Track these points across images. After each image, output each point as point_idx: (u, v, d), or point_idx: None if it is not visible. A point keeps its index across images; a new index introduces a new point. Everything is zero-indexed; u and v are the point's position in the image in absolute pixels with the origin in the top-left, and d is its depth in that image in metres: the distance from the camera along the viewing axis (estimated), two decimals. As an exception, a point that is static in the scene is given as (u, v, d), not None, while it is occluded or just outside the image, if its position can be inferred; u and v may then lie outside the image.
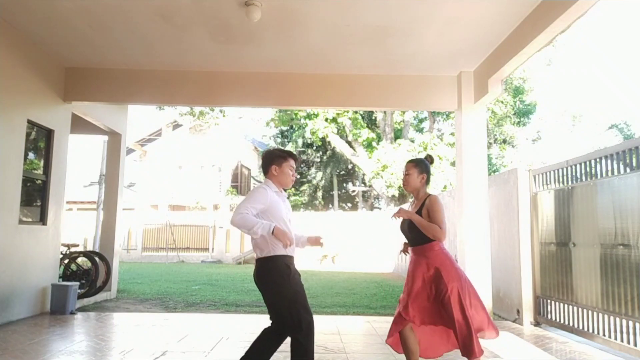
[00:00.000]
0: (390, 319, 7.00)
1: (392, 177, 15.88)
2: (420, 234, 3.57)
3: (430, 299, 3.51)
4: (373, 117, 20.71)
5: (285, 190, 3.61)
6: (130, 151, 29.60)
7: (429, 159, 3.86)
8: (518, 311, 6.74)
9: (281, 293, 3.28)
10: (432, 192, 3.73)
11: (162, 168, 30.07)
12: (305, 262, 19.28)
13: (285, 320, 3.29)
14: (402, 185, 3.86)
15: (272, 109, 19.73)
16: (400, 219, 3.71)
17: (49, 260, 7.20)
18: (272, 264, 3.30)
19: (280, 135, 28.22)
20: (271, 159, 3.51)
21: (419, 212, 3.62)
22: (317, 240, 3.67)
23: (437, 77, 7.54)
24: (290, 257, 3.39)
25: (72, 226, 19.48)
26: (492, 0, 5.31)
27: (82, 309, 7.39)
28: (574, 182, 5.88)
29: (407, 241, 3.77)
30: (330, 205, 29.25)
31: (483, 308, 3.59)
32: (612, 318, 5.07)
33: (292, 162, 3.53)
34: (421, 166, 3.75)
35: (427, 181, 3.75)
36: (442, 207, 3.62)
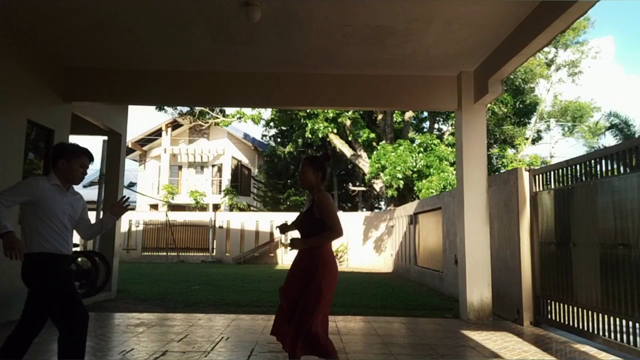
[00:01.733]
0: (391, 319, 7.02)
1: (389, 178, 15.87)
2: (313, 231, 3.57)
3: (298, 288, 3.55)
4: (373, 117, 20.70)
5: (71, 187, 3.51)
6: (130, 151, 29.63)
7: (326, 157, 3.90)
8: (518, 311, 6.74)
9: (44, 290, 3.27)
10: (323, 189, 3.73)
11: (162, 168, 30.08)
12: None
13: (54, 316, 3.29)
14: (299, 182, 3.90)
15: (272, 109, 19.73)
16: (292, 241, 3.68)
17: (49, 260, 7.18)
18: (32, 263, 3.27)
19: (280, 135, 28.21)
20: (60, 153, 3.42)
21: (310, 209, 3.64)
22: (119, 206, 3.63)
23: (437, 77, 7.54)
24: (55, 256, 3.33)
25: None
26: (492, 0, 5.31)
27: (82, 309, 7.38)
28: (574, 182, 5.88)
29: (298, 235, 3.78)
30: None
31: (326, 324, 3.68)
32: (612, 318, 5.08)
33: (84, 160, 3.46)
34: (316, 164, 3.77)
35: (323, 178, 3.77)
36: (330, 202, 3.60)
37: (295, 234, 3.80)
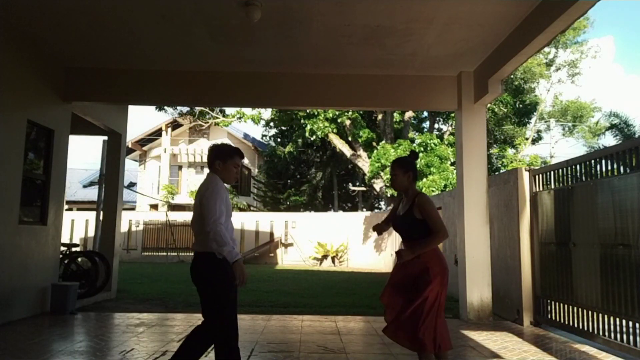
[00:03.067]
0: (390, 319, 6.95)
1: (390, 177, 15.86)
2: (415, 232, 3.59)
3: (407, 292, 3.56)
4: (373, 117, 20.70)
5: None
6: (130, 151, 29.62)
7: (413, 156, 3.90)
8: (518, 311, 6.74)
9: (217, 292, 3.25)
10: (419, 190, 3.75)
11: (162, 168, 30.08)
12: (303, 262, 19.30)
13: (209, 314, 3.30)
14: (390, 186, 3.93)
15: (272, 109, 19.73)
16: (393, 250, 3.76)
17: (49, 260, 7.20)
18: (215, 261, 3.22)
19: (280, 135, 28.20)
20: (216, 155, 3.46)
21: (410, 211, 3.63)
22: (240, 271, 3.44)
23: (437, 77, 7.53)
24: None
25: (75, 226, 19.49)
26: (492, 0, 5.31)
27: (82, 309, 7.39)
28: (574, 182, 5.88)
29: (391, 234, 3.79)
30: (330, 205, 29.24)
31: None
32: (612, 318, 5.07)
33: (237, 160, 3.49)
34: (405, 165, 3.77)
35: (415, 178, 3.78)
36: (432, 204, 3.62)
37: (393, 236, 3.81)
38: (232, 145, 3.61)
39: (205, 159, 24.30)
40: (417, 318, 3.41)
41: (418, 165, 15.89)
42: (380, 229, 3.89)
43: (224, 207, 3.24)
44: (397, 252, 3.63)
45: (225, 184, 3.45)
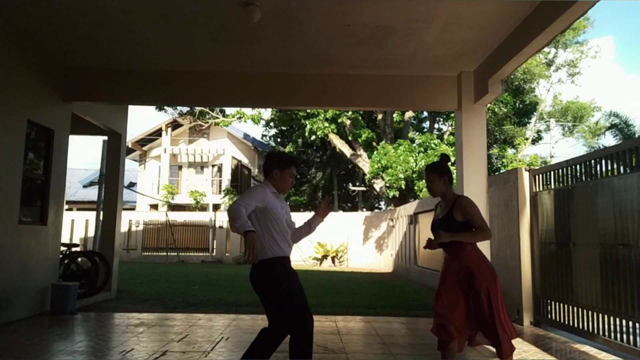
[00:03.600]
0: (391, 319, 7.01)
1: (392, 178, 15.88)
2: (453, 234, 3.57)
3: (463, 296, 3.58)
4: (373, 117, 20.70)
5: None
6: (130, 151, 29.63)
7: (445, 158, 3.88)
8: (518, 311, 6.73)
9: (277, 293, 3.28)
10: (458, 193, 3.73)
11: (162, 168, 30.08)
12: (303, 262, 19.29)
13: (282, 320, 3.29)
14: (428, 193, 3.90)
15: (272, 109, 19.73)
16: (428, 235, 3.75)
17: (49, 260, 7.20)
18: (267, 268, 3.29)
19: (280, 135, 28.21)
20: (275, 163, 3.51)
21: (450, 214, 3.61)
22: (324, 207, 3.64)
23: (437, 77, 7.53)
24: (285, 259, 3.39)
25: (75, 226, 19.49)
26: (492, 0, 5.31)
27: (82, 309, 7.39)
28: (574, 182, 5.88)
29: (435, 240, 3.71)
30: (330, 205, 29.25)
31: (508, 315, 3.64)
32: (612, 318, 5.07)
33: (293, 170, 3.54)
34: (439, 169, 3.75)
35: (450, 181, 3.76)
36: (475, 205, 3.63)
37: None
38: (290, 154, 3.62)
39: (205, 159, 24.41)
40: (493, 316, 3.47)
41: (417, 166, 15.92)
42: (431, 244, 3.72)
43: (254, 202, 3.26)
44: (431, 237, 3.60)
45: (279, 192, 3.50)
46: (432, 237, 3.64)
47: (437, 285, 3.75)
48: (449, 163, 3.86)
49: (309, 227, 3.67)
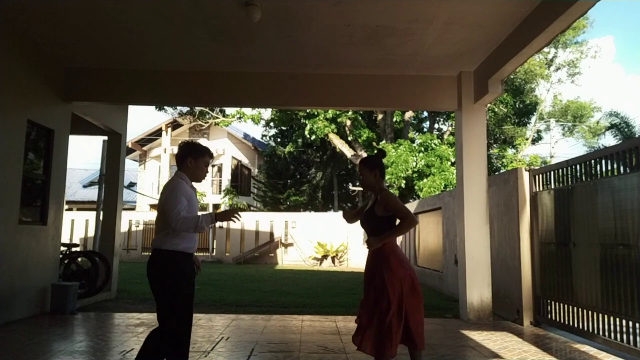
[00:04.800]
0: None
1: (392, 177, 15.87)
2: (378, 229, 3.63)
3: (372, 288, 3.58)
4: (373, 117, 20.70)
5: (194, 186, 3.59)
6: (130, 151, 29.63)
7: (380, 154, 3.96)
8: (518, 311, 6.74)
9: (164, 287, 3.26)
10: (384, 187, 3.80)
11: (162, 168, 30.07)
12: (303, 262, 19.30)
13: (162, 313, 3.27)
14: (360, 186, 4.00)
15: (272, 109, 19.73)
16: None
17: (49, 260, 7.20)
18: (161, 259, 3.26)
19: (280, 135, 28.21)
20: (189, 152, 3.49)
21: (372, 209, 3.70)
22: (228, 215, 3.54)
23: (437, 77, 7.54)
24: (183, 255, 3.34)
25: (75, 226, 19.49)
26: (492, 0, 5.31)
27: (82, 309, 7.39)
28: (574, 182, 5.88)
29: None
30: (330, 205, 29.24)
31: (421, 312, 3.59)
32: (612, 318, 5.08)
33: (207, 159, 3.54)
34: (371, 163, 3.83)
35: (382, 176, 3.83)
36: (394, 197, 3.69)
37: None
38: (204, 145, 3.66)
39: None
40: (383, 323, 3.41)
41: (419, 166, 15.93)
42: (348, 216, 3.96)
43: (185, 200, 3.27)
44: (366, 241, 3.70)
45: (193, 184, 3.52)
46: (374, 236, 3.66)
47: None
48: (384, 159, 3.91)
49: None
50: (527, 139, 24.01)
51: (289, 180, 28.54)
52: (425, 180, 15.84)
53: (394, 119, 19.53)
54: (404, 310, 3.46)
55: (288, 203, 26.60)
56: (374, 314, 3.47)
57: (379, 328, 3.44)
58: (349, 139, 19.17)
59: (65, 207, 7.76)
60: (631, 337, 4.76)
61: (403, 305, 3.46)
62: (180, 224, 3.17)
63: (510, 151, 22.41)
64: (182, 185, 3.36)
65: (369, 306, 3.55)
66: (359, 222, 3.90)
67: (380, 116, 19.30)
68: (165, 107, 21.06)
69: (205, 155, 3.52)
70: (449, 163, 16.15)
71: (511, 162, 20.74)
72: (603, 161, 5.35)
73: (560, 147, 70.81)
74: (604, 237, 5.21)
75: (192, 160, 3.46)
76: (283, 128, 25.94)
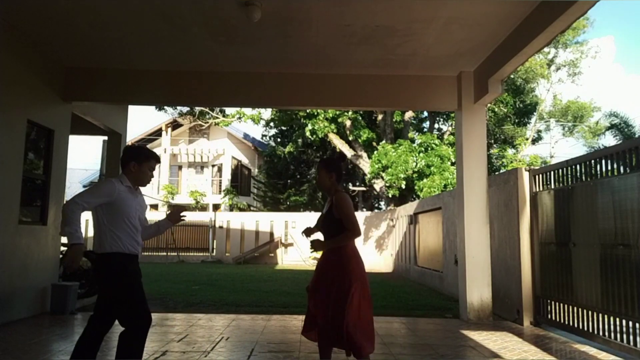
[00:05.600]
0: (391, 319, 7.01)
1: (392, 177, 15.88)
2: (333, 231, 3.65)
3: (329, 293, 3.57)
4: (373, 117, 20.70)
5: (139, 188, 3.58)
6: (130, 151, 29.59)
7: (340, 157, 3.99)
8: (518, 311, 6.74)
9: (115, 289, 3.31)
10: (343, 190, 3.82)
11: (162, 168, 30.08)
12: (303, 262, 19.30)
13: (120, 315, 3.32)
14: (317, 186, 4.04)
15: (272, 109, 19.73)
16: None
17: (49, 260, 7.20)
18: (105, 262, 3.30)
19: (280, 135, 28.21)
20: (132, 156, 3.48)
21: (330, 211, 3.72)
22: (176, 215, 3.74)
23: (437, 77, 7.54)
24: (127, 256, 3.36)
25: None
26: (492, 0, 5.31)
27: (82, 309, 7.39)
28: (574, 182, 5.88)
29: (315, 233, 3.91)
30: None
31: (371, 316, 3.63)
32: (612, 318, 5.08)
33: (153, 164, 3.54)
34: (329, 165, 3.87)
35: (338, 179, 3.85)
36: (348, 202, 3.67)
37: (319, 236, 3.86)
38: (151, 150, 3.68)
39: (205, 159, 24.33)
40: (341, 319, 3.42)
41: (418, 166, 15.92)
42: (308, 232, 3.94)
43: (95, 198, 3.27)
44: (311, 242, 3.71)
45: (139, 187, 3.54)
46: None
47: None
48: (343, 163, 3.99)
49: (157, 228, 3.75)
50: (527, 139, 24.00)
51: (289, 180, 28.52)
52: (425, 180, 15.84)
53: (394, 119, 19.51)
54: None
55: (288, 203, 26.60)
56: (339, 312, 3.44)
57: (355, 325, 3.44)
58: (349, 139, 19.17)
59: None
60: (631, 337, 4.76)
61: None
62: (68, 207, 3.13)
63: (510, 151, 22.41)
64: (109, 186, 3.34)
65: (325, 304, 3.54)
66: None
67: (380, 116, 19.29)
68: (165, 107, 21.05)
69: (149, 159, 3.51)
70: (449, 163, 16.14)
71: (511, 162, 20.73)
72: (603, 161, 5.35)
73: (560, 147, 70.87)
74: (604, 237, 5.21)
75: (135, 164, 3.45)
76: (283, 128, 25.92)
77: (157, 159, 3.60)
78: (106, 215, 3.31)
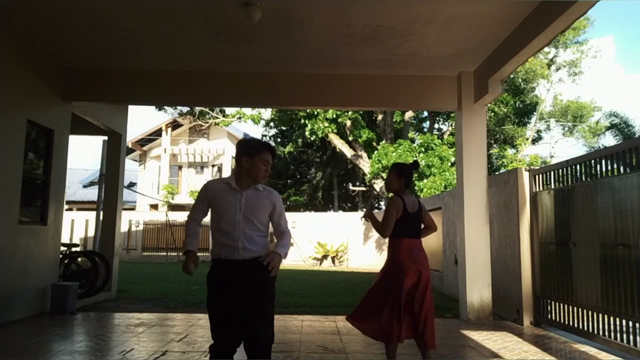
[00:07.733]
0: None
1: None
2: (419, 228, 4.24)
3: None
4: (373, 117, 20.70)
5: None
6: (130, 151, 29.64)
7: (414, 165, 4.28)
8: (518, 311, 6.74)
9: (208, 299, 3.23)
10: (401, 195, 4.15)
11: (162, 168, 30.08)
12: (303, 262, 19.31)
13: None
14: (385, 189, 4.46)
15: (272, 109, 19.73)
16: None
17: (49, 260, 7.20)
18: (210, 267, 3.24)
19: (280, 135, 28.21)
20: (243, 150, 3.16)
21: (420, 210, 4.21)
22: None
23: (437, 77, 7.53)
24: (216, 262, 3.16)
25: (75, 226, 19.49)
26: (492, 0, 5.31)
27: (82, 309, 7.39)
28: (574, 182, 5.88)
29: None
30: (330, 205, 29.25)
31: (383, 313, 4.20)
32: (612, 318, 5.08)
33: (266, 156, 3.16)
34: (400, 170, 4.18)
35: (407, 184, 4.16)
36: (389, 207, 4.09)
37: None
38: (263, 140, 3.40)
39: (205, 159, 24.32)
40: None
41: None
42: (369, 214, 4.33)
43: (200, 204, 3.19)
44: (366, 211, 4.31)
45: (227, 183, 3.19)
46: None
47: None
48: (414, 170, 4.31)
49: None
50: (527, 139, 24.00)
51: (289, 180, 28.54)
52: (425, 180, 15.84)
53: (394, 119, 19.51)
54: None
55: (288, 203, 26.61)
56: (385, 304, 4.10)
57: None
58: (349, 139, 19.17)
59: (65, 207, 7.76)
60: (631, 337, 4.76)
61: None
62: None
63: (510, 151, 22.41)
64: (202, 190, 3.20)
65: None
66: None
67: (380, 116, 19.29)
68: (165, 107, 21.04)
69: (261, 151, 3.13)
70: (449, 163, 16.14)
71: (511, 162, 20.73)
72: (603, 161, 5.35)
73: (561, 147, 70.85)
74: (604, 237, 5.21)
75: (247, 159, 3.10)
76: (283, 128, 25.92)
77: (270, 150, 3.19)
78: (212, 219, 3.14)
